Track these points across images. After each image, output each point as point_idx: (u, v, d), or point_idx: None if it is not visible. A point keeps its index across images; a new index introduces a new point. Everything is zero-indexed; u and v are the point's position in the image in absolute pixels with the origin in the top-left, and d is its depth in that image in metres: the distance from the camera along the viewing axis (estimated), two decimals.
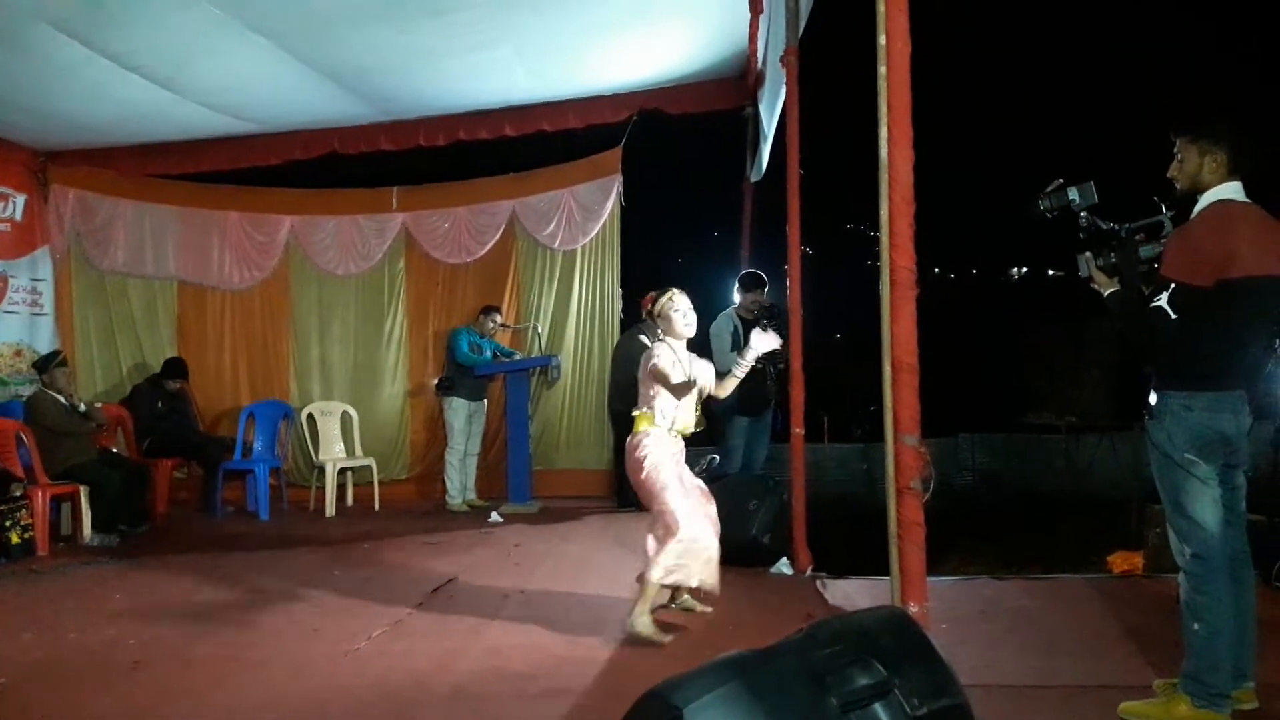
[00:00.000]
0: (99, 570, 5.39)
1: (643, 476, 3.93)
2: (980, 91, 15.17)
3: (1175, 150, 2.96)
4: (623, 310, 8.10)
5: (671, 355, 4.01)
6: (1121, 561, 5.26)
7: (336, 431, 7.90)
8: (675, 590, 4.14)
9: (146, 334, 8.18)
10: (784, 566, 5.01)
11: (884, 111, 2.57)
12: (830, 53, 6.92)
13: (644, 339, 6.62)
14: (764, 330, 4.13)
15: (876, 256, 2.68)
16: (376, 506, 7.52)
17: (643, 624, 3.77)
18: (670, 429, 4.01)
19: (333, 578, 5.08)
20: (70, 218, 7.97)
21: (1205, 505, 2.83)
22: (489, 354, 7.48)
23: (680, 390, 3.96)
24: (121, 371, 8.09)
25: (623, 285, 8.10)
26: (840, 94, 7.22)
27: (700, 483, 4.16)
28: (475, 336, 7.44)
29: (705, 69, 7.03)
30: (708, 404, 4.33)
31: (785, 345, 5.51)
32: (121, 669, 3.57)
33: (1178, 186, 2.97)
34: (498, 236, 8.16)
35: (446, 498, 7.39)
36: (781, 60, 4.92)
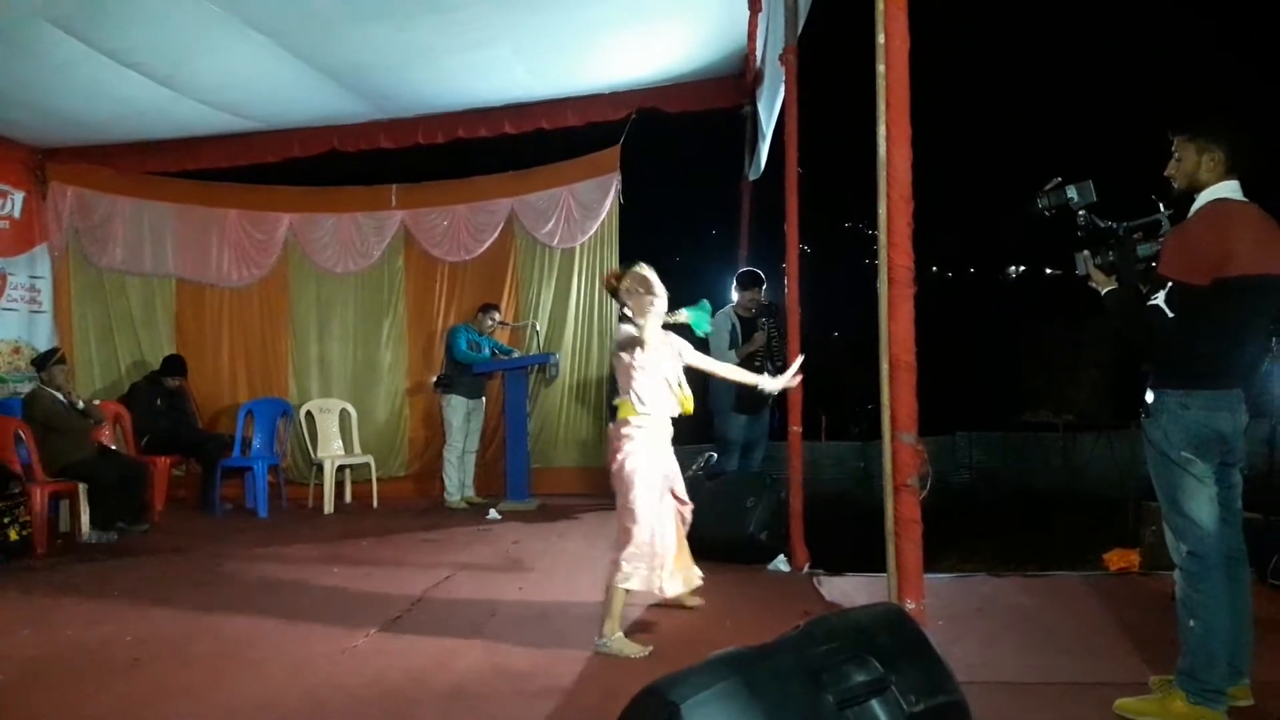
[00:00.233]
0: (97, 568, 5.39)
1: (615, 469, 3.82)
2: (979, 90, 15.16)
3: (1173, 149, 2.96)
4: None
5: (631, 334, 3.78)
6: (1118, 559, 5.27)
7: (335, 429, 7.91)
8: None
9: (145, 331, 8.18)
10: (781, 564, 5.02)
11: (882, 110, 2.57)
12: (829, 51, 6.90)
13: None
14: (769, 367, 4.05)
15: (875, 255, 2.68)
16: (375, 504, 7.53)
17: (616, 643, 3.62)
18: (651, 414, 3.82)
19: (331, 575, 5.08)
20: (69, 215, 7.97)
21: (1202, 503, 2.84)
22: (487, 352, 7.48)
23: (650, 373, 3.80)
24: (120, 369, 8.09)
25: None
26: (839, 92, 7.21)
27: (682, 484, 4.04)
28: (474, 334, 7.44)
29: (704, 67, 7.04)
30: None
31: (783, 344, 5.53)
32: (119, 667, 3.57)
33: (1175, 185, 2.97)
34: (496, 234, 8.16)
35: (445, 495, 7.39)
36: (780, 59, 4.92)
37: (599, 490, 7.69)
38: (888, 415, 2.58)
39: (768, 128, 6.07)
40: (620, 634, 3.67)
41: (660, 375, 3.86)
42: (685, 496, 4.10)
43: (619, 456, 3.81)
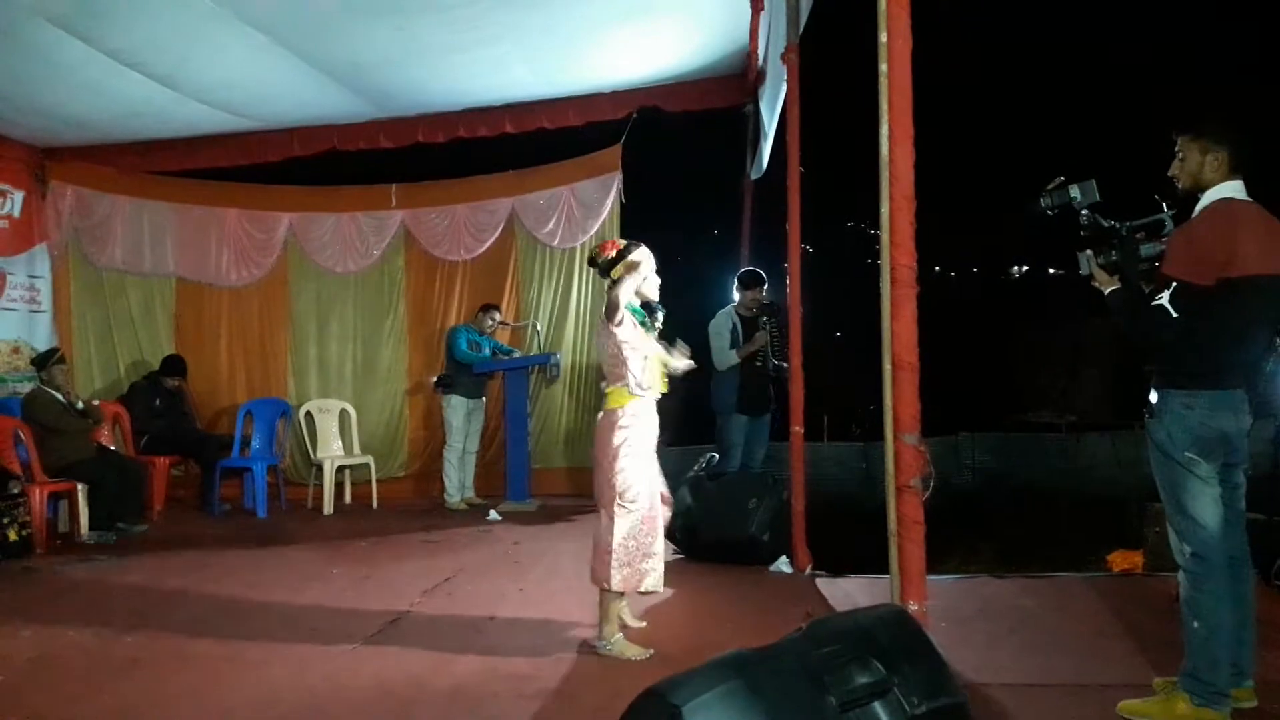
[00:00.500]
0: (96, 568, 5.38)
1: (609, 460, 3.62)
2: (982, 89, 15.14)
3: (1177, 149, 2.95)
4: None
5: (626, 305, 3.68)
6: (1121, 560, 5.27)
7: (335, 429, 7.89)
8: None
9: (144, 331, 8.17)
10: (783, 565, 5.01)
11: (885, 109, 2.56)
12: (831, 50, 6.90)
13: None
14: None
15: (877, 254, 2.67)
16: (374, 504, 7.51)
17: (617, 645, 3.58)
18: (647, 397, 3.72)
19: (330, 576, 5.07)
20: (68, 214, 7.96)
21: (1205, 504, 2.83)
22: (488, 352, 7.47)
23: (645, 351, 3.70)
24: (120, 369, 8.08)
25: None
26: (841, 91, 7.20)
27: (663, 485, 3.88)
28: (474, 334, 7.43)
29: (706, 66, 7.02)
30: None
31: (785, 344, 5.52)
32: (119, 667, 3.56)
33: (1179, 185, 2.97)
34: (497, 234, 8.15)
35: (445, 496, 7.38)
36: (782, 58, 4.91)
37: None
38: (890, 416, 2.57)
39: (770, 127, 6.06)
40: (620, 636, 3.65)
41: (652, 354, 3.77)
42: (668, 492, 3.96)
43: (619, 446, 3.62)
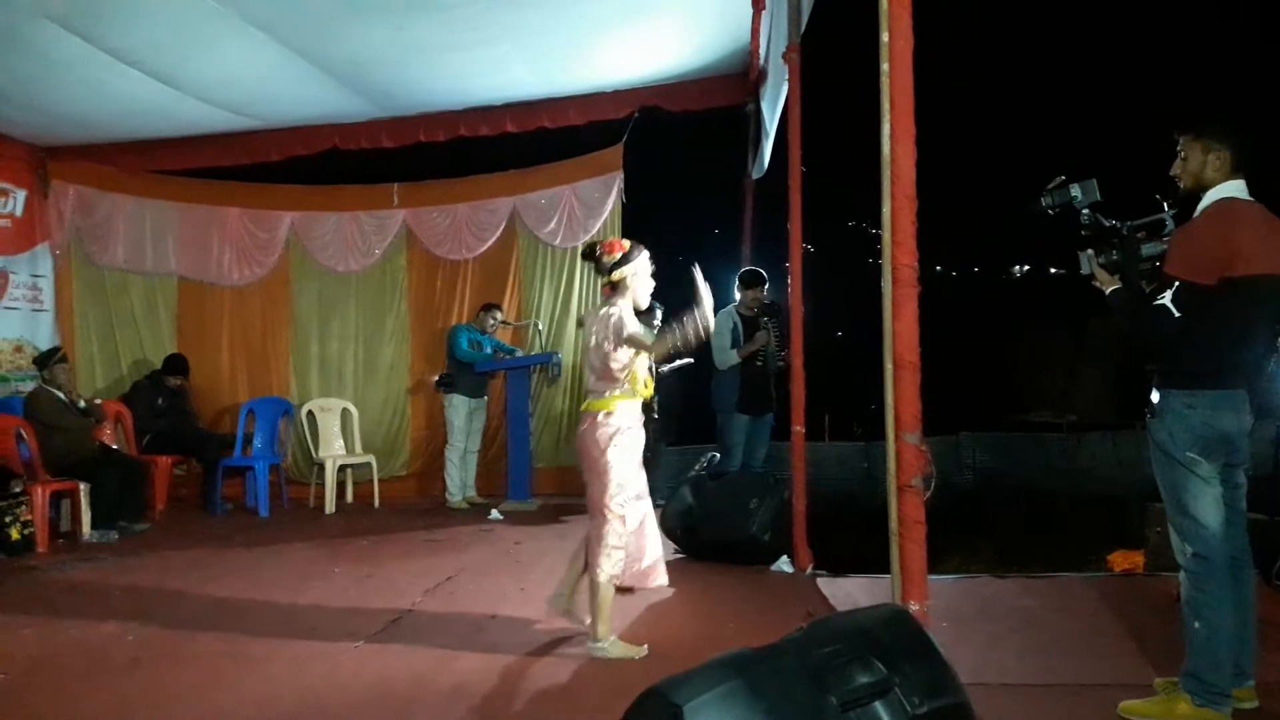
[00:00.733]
0: (98, 567, 5.38)
1: (603, 464, 3.59)
2: (983, 89, 15.14)
3: (1178, 148, 2.95)
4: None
5: (633, 324, 3.64)
6: (1122, 560, 5.26)
7: (336, 428, 7.90)
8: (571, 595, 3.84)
9: (146, 330, 8.18)
10: (784, 564, 5.01)
11: (887, 108, 2.56)
12: (832, 50, 6.89)
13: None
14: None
15: (878, 254, 2.67)
16: (376, 504, 7.51)
17: (613, 648, 3.56)
18: (637, 399, 3.68)
19: (332, 575, 5.08)
20: (70, 214, 7.97)
21: (1207, 504, 2.83)
22: (489, 351, 7.47)
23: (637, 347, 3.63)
24: (122, 368, 8.09)
25: None
26: (842, 91, 7.20)
27: (644, 486, 3.80)
28: (475, 333, 7.43)
29: (707, 65, 7.02)
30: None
31: (786, 343, 5.51)
32: (120, 666, 3.57)
33: (1181, 185, 2.96)
34: (499, 233, 8.14)
35: (446, 495, 7.38)
36: (784, 57, 4.91)
37: None
38: (891, 415, 2.57)
39: (771, 126, 6.06)
40: (614, 637, 3.62)
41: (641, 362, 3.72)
42: (645, 492, 3.84)
43: (608, 447, 3.59)
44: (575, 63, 6.73)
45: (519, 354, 7.65)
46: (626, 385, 3.66)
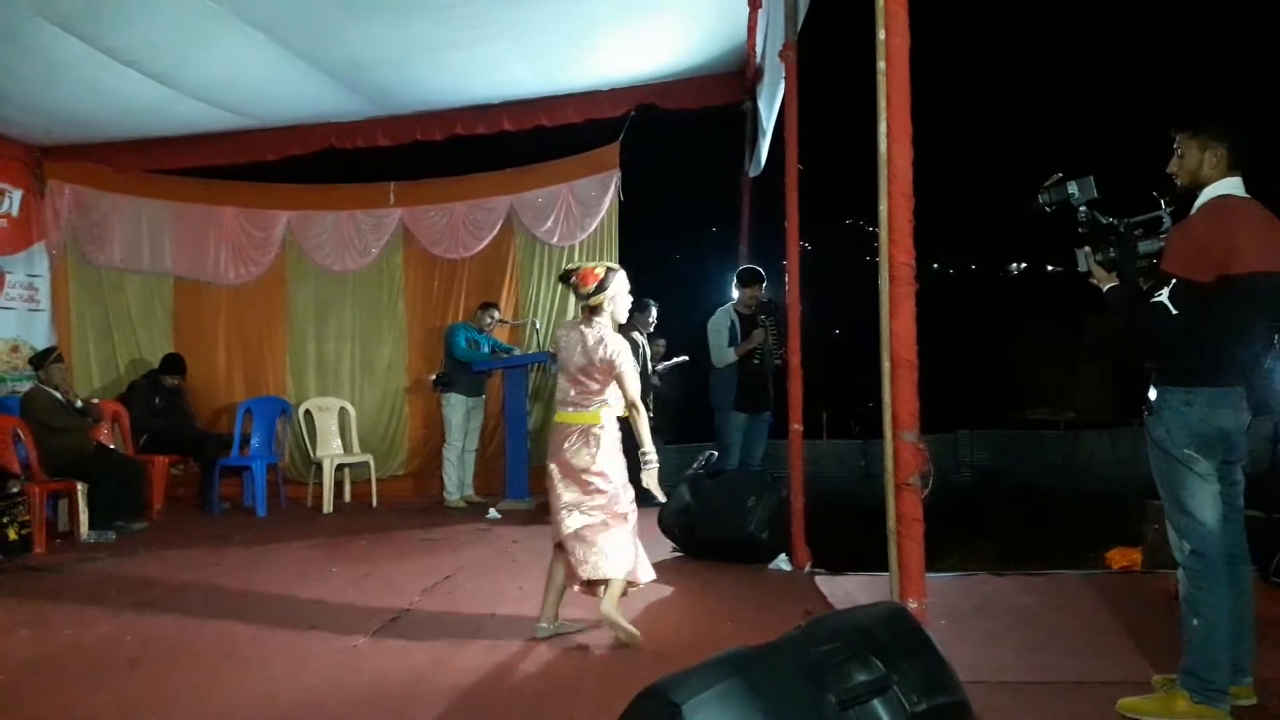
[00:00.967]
0: (96, 567, 5.37)
1: (612, 474, 3.79)
2: (980, 86, 15.14)
3: (1175, 145, 2.95)
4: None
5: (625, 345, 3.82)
6: (1120, 557, 5.27)
7: (334, 428, 7.89)
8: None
9: (143, 330, 8.17)
10: (782, 563, 5.01)
11: (883, 106, 2.56)
12: (829, 48, 6.90)
13: (636, 335, 6.62)
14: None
15: (875, 252, 2.67)
16: (374, 503, 7.51)
17: (614, 611, 3.66)
18: (617, 408, 3.85)
19: (330, 574, 5.07)
20: (67, 213, 7.96)
21: (1204, 501, 2.83)
22: (486, 350, 7.46)
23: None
24: (119, 367, 8.08)
25: None
26: (839, 89, 7.20)
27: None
28: (473, 332, 7.42)
29: (704, 64, 7.01)
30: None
31: (784, 341, 5.52)
32: (118, 666, 3.56)
33: (1178, 182, 2.96)
34: (496, 232, 8.13)
35: (444, 494, 7.38)
36: (780, 55, 4.90)
37: None
38: (889, 413, 2.57)
39: (768, 124, 6.06)
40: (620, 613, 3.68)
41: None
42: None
43: (612, 460, 3.79)
44: (573, 61, 6.73)
45: (516, 353, 7.65)
46: (610, 400, 3.80)
